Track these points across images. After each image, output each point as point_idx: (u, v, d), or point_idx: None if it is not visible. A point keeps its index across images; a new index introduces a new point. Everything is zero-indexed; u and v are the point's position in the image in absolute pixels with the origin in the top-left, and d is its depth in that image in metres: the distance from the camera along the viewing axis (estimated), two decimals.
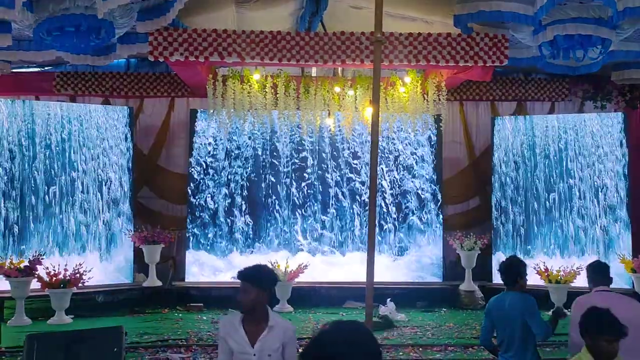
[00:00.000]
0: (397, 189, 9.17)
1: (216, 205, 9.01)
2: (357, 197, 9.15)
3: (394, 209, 9.14)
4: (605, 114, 8.85)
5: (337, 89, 8.43)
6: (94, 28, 6.08)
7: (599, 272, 4.08)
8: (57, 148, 8.31)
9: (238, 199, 9.05)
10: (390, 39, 6.96)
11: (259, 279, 3.16)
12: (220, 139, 9.03)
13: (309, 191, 9.15)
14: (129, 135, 8.78)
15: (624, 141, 8.50)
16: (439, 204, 9.13)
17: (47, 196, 8.19)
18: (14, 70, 8.26)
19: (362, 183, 9.11)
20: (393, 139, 9.13)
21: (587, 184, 8.65)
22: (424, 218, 9.14)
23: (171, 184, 9.18)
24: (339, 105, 8.46)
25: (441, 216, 9.11)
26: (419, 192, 9.17)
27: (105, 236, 8.53)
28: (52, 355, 4.22)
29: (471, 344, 6.41)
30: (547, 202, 8.83)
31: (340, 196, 9.16)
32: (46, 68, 8.90)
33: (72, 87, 8.91)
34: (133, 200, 8.77)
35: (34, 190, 8.12)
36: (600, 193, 8.58)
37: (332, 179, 9.17)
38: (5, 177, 7.95)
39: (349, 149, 9.19)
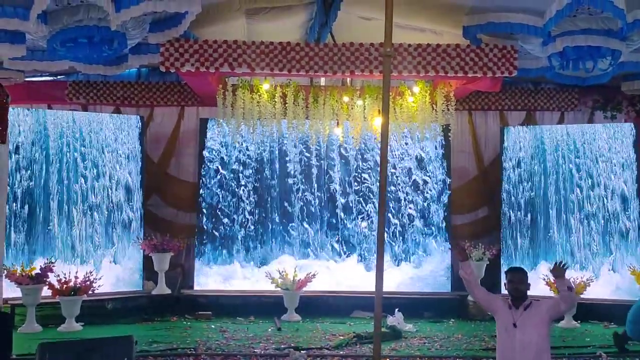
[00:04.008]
0: (406, 198, 9.17)
1: (225, 214, 9.05)
2: (366, 206, 9.16)
3: (402, 218, 9.14)
4: (615, 125, 8.82)
5: (345, 99, 8.47)
6: (107, 39, 6.16)
7: None
8: (68, 156, 8.40)
9: (247, 207, 9.09)
10: (399, 50, 6.99)
11: None
12: (230, 148, 9.10)
13: (317, 200, 9.18)
14: (139, 144, 8.87)
15: (634, 151, 8.47)
16: (448, 213, 9.12)
17: (58, 204, 8.27)
18: (26, 79, 8.36)
19: (371, 192, 9.13)
20: (401, 148, 9.15)
21: (597, 194, 8.61)
22: (432, 228, 9.13)
23: (180, 192, 9.24)
24: (348, 114, 8.50)
25: (449, 226, 9.10)
26: (427, 201, 9.17)
27: (115, 244, 8.59)
28: None
29: (480, 356, 6.39)
30: (556, 212, 8.79)
31: (348, 205, 9.18)
32: (58, 77, 9.01)
33: (84, 96, 9.01)
34: (143, 208, 8.83)
35: (45, 197, 8.21)
36: (610, 203, 8.53)
37: (340, 188, 9.20)
38: (17, 185, 8.04)
39: (357, 158, 9.21)
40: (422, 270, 9.06)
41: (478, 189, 9.47)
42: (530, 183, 8.96)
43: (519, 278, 4.31)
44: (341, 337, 7.01)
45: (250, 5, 6.94)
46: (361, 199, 9.18)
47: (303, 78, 8.45)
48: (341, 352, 6.49)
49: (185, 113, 9.39)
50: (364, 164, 9.21)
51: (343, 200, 9.17)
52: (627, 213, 8.44)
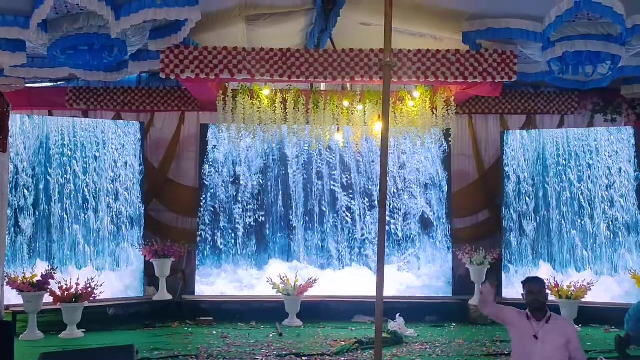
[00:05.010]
0: (406, 202, 9.17)
1: (226, 219, 9.06)
2: (367, 211, 9.17)
3: (403, 222, 9.15)
4: (616, 128, 8.82)
5: (346, 104, 8.47)
6: (107, 46, 6.18)
7: None
8: (69, 162, 8.41)
9: (247, 213, 9.09)
10: (399, 56, 7.00)
11: None
12: (230, 153, 9.10)
13: (318, 205, 9.18)
14: (139, 149, 8.88)
15: (634, 155, 8.47)
16: (448, 217, 9.12)
17: (59, 210, 8.28)
18: (27, 86, 8.38)
19: (372, 197, 9.13)
20: (402, 152, 9.16)
21: (597, 197, 8.61)
22: (433, 232, 9.14)
23: (181, 197, 9.24)
24: (348, 119, 8.50)
25: (450, 230, 9.10)
26: (428, 205, 9.17)
27: (116, 249, 8.60)
28: None
29: None
30: (557, 216, 8.79)
31: (349, 210, 9.18)
32: (59, 83, 9.02)
33: (85, 102, 9.02)
34: (144, 214, 8.84)
35: (46, 204, 8.21)
36: (610, 207, 8.53)
37: (341, 193, 9.19)
38: (19, 191, 8.04)
39: (358, 163, 9.22)
40: (423, 275, 9.06)
41: (479, 193, 9.47)
42: (530, 187, 8.95)
43: (538, 289, 4.15)
44: (342, 343, 7.01)
45: (250, 12, 6.94)
46: (363, 203, 9.17)
47: (303, 83, 8.46)
48: (342, 359, 6.49)
49: (186, 118, 9.40)
50: (364, 168, 9.21)
51: (344, 205, 9.16)
52: (627, 216, 8.44)
